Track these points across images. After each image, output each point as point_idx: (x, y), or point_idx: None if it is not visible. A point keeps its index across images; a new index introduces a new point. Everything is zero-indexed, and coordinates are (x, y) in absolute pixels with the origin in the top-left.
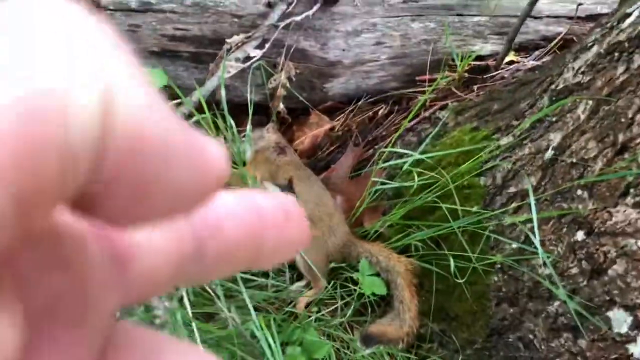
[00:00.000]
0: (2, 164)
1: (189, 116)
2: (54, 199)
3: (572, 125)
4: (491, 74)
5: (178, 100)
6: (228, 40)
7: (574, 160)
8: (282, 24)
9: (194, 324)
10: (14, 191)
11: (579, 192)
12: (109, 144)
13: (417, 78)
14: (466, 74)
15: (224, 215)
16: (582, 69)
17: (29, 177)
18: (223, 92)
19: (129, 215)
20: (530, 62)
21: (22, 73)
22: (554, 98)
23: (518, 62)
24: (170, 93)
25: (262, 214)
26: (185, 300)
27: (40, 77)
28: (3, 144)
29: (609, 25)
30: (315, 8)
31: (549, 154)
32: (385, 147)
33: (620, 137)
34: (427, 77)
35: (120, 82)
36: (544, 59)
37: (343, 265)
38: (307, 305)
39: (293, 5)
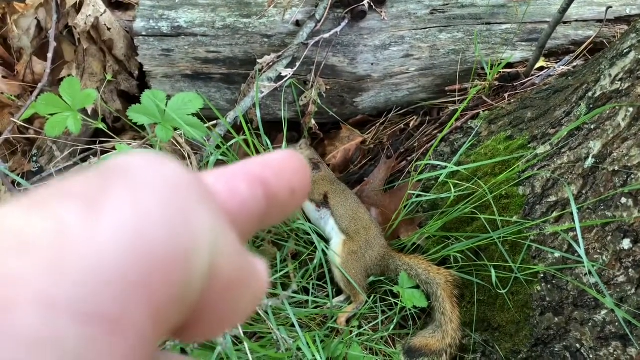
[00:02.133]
0: (153, 286)
1: (225, 138)
2: (172, 323)
3: (612, 133)
4: (522, 81)
5: (214, 122)
6: (259, 61)
7: (616, 168)
8: (311, 42)
9: (245, 344)
10: (153, 308)
11: (623, 200)
12: (211, 284)
13: (446, 88)
14: (496, 82)
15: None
16: (620, 76)
17: (165, 298)
18: (258, 112)
19: (209, 332)
20: (560, 68)
21: (161, 232)
22: (591, 105)
23: (548, 67)
24: (205, 115)
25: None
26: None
27: (180, 237)
28: (155, 274)
29: None
30: (343, 24)
31: (590, 162)
32: (418, 158)
33: None
34: (457, 86)
35: (220, 239)
36: (574, 64)
37: (382, 278)
38: (349, 320)
39: (321, 23)
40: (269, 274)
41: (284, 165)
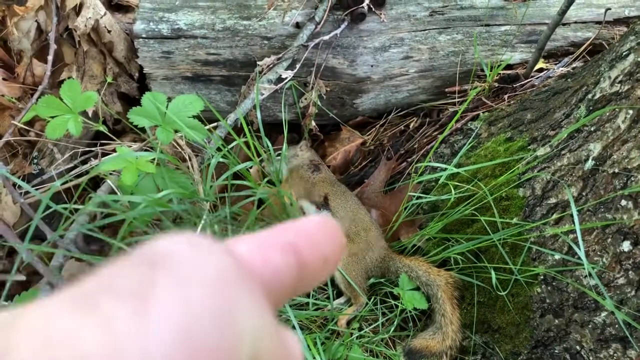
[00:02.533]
0: None
1: (225, 140)
2: None
3: (612, 135)
4: (521, 83)
5: (215, 124)
6: (259, 63)
7: (616, 170)
8: (311, 44)
9: None
10: None
11: (623, 202)
12: None
13: (446, 90)
14: (496, 84)
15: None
16: (619, 78)
17: None
18: (259, 114)
19: None
20: (559, 69)
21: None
22: (591, 107)
23: (547, 69)
24: (205, 117)
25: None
26: None
27: (228, 335)
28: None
29: None
30: (343, 26)
31: (590, 164)
32: (418, 159)
33: None
34: (456, 88)
35: (263, 331)
36: (573, 65)
37: (382, 280)
38: (349, 322)
39: (321, 24)
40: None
41: (317, 233)
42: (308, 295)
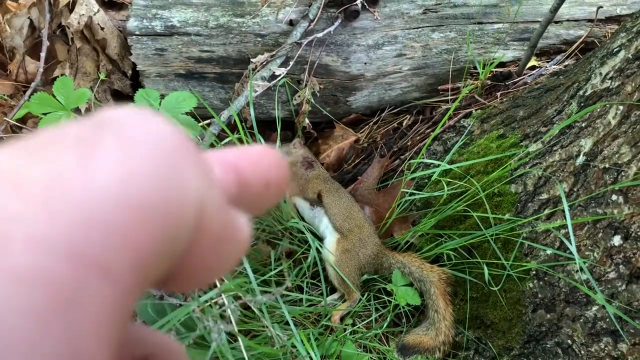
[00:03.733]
0: (140, 236)
1: (218, 137)
2: (158, 274)
3: (602, 131)
4: (514, 80)
5: (208, 121)
6: (253, 60)
7: (607, 166)
8: (304, 41)
9: (240, 341)
10: (140, 258)
11: (614, 197)
12: (197, 238)
13: (439, 87)
14: (488, 81)
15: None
16: (610, 75)
17: (152, 248)
18: (252, 111)
19: (192, 284)
20: (552, 67)
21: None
22: (582, 104)
23: (540, 67)
24: (199, 114)
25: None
26: (232, 319)
27: (168, 190)
28: (142, 224)
29: (635, 29)
30: (336, 24)
31: (581, 159)
32: (411, 157)
33: None
34: (449, 85)
35: (207, 194)
36: (565, 63)
37: (376, 276)
38: (342, 318)
39: (315, 22)
40: (251, 232)
41: (260, 158)
42: (302, 292)
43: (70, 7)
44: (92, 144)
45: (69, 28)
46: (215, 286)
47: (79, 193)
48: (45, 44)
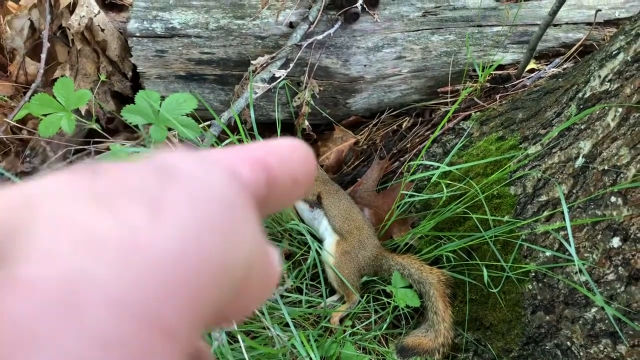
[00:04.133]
0: (205, 292)
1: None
2: (213, 317)
3: (601, 133)
4: (513, 83)
5: (208, 122)
6: (253, 62)
7: (606, 167)
8: (304, 44)
9: (241, 341)
10: (201, 312)
11: (613, 198)
12: (243, 285)
13: (439, 90)
14: (488, 84)
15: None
16: (609, 77)
17: (212, 303)
18: (252, 113)
19: (231, 321)
20: (551, 70)
21: None
22: (581, 106)
23: (539, 69)
24: (199, 115)
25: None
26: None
27: (230, 246)
28: (212, 277)
29: (633, 32)
30: (336, 26)
31: (580, 161)
32: (411, 159)
33: None
34: (449, 88)
35: (256, 247)
36: (564, 66)
37: (375, 278)
38: (342, 320)
39: (314, 24)
40: (281, 264)
41: (289, 154)
42: (301, 293)
43: (71, 9)
44: (159, 199)
45: (69, 29)
46: None
47: (152, 254)
48: (46, 45)
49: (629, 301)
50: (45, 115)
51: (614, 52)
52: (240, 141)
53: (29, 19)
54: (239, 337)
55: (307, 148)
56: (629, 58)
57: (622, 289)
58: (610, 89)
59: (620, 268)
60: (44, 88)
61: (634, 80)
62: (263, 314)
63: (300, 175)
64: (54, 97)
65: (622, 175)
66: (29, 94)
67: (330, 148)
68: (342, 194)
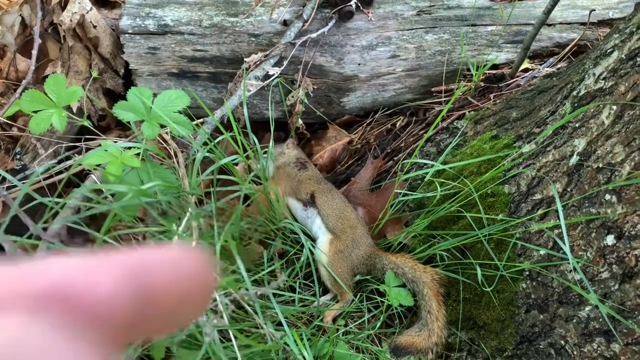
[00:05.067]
0: None
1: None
2: None
3: (596, 131)
4: (507, 82)
5: (201, 120)
6: (246, 60)
7: (601, 165)
8: (298, 42)
9: (233, 339)
10: None
11: (607, 196)
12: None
13: (433, 89)
14: (482, 83)
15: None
16: (603, 75)
17: None
18: (245, 111)
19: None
20: (545, 69)
21: None
22: (576, 104)
23: (533, 69)
24: (192, 113)
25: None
26: (224, 315)
27: None
28: None
29: (627, 30)
30: (330, 24)
31: (574, 159)
32: (405, 158)
33: None
34: (443, 87)
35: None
36: (558, 66)
37: (368, 277)
38: (335, 319)
39: (309, 22)
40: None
41: (175, 264)
42: (294, 292)
43: (63, 5)
44: None
45: (61, 26)
46: None
47: None
48: (37, 41)
49: (622, 299)
50: (36, 112)
51: (608, 50)
52: (233, 139)
53: (20, 15)
54: (231, 334)
55: (199, 260)
56: (623, 56)
57: (616, 287)
58: (604, 87)
59: (614, 266)
60: (35, 85)
61: (628, 78)
62: (256, 312)
63: (187, 293)
64: (45, 93)
65: (616, 173)
66: (19, 90)
67: (324, 147)
68: (336, 193)
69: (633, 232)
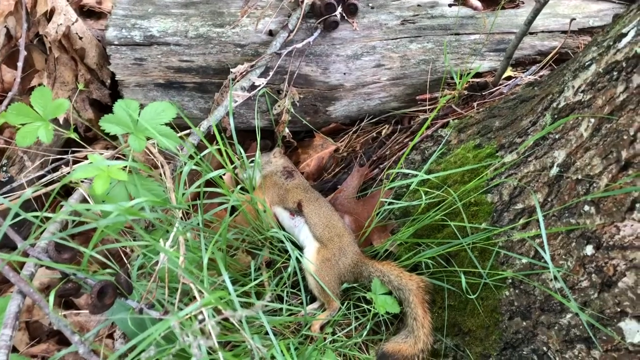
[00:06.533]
0: None
1: (197, 147)
2: None
3: (575, 143)
4: (490, 90)
5: (188, 131)
6: (233, 70)
7: (580, 177)
8: (284, 52)
9: (220, 354)
10: None
11: (586, 207)
12: None
13: (417, 97)
14: (465, 92)
15: None
16: (582, 88)
17: None
18: (232, 121)
19: None
20: (527, 77)
21: None
22: (555, 116)
23: (515, 77)
24: (178, 124)
25: None
26: (210, 330)
27: None
28: None
29: (605, 44)
30: (315, 34)
31: (555, 170)
32: (390, 166)
33: (624, 154)
34: (427, 96)
35: None
36: (540, 73)
37: (355, 285)
38: (322, 327)
39: (294, 32)
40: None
41: None
42: (282, 301)
43: (48, 17)
44: None
45: (46, 37)
46: (195, 299)
47: None
48: (23, 53)
49: (602, 307)
50: (22, 124)
51: (586, 63)
52: (219, 151)
53: (5, 26)
54: (219, 352)
55: None
56: (600, 70)
57: (596, 295)
58: (583, 100)
59: (593, 275)
60: (21, 96)
61: (605, 92)
62: (242, 325)
63: None
64: (31, 106)
65: (594, 185)
66: (5, 102)
67: (310, 155)
68: (323, 202)
69: (611, 243)
